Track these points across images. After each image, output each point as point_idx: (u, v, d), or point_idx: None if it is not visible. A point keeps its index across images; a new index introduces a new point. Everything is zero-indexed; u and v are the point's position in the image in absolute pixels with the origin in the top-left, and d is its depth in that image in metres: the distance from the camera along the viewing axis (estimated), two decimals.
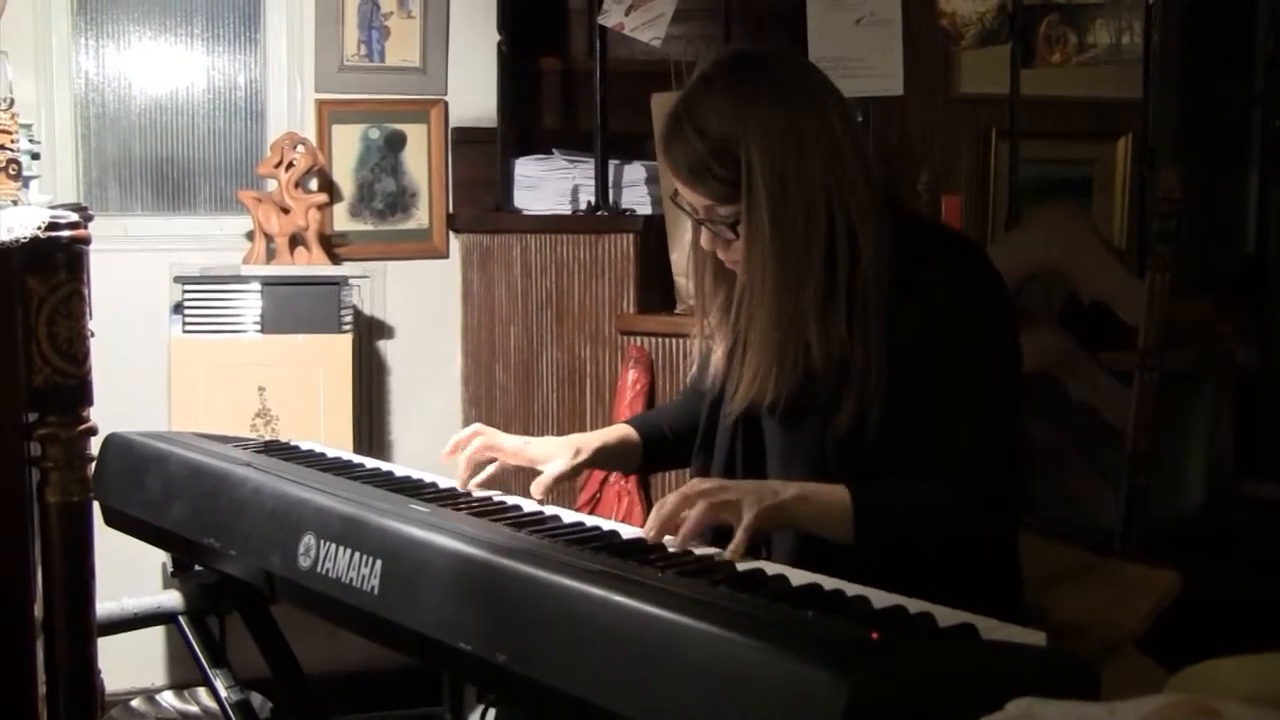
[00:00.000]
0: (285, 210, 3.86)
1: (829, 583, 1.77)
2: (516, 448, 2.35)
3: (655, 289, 3.68)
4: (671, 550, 1.94)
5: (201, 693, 3.55)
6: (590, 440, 2.36)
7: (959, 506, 2.06)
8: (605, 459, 2.40)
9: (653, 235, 3.67)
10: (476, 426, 2.38)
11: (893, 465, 2.07)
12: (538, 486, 2.26)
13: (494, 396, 4.03)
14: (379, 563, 1.86)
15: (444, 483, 2.31)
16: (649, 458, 2.45)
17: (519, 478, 2.36)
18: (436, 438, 4.09)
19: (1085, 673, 1.56)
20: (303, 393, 3.68)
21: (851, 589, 1.74)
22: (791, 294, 2.04)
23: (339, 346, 3.73)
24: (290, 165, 3.87)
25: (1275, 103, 3.97)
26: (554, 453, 2.33)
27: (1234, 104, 4.30)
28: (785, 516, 2.00)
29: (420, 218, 4.10)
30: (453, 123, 4.14)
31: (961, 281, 2.08)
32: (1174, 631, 2.47)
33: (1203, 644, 2.87)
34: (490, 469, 2.34)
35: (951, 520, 2.07)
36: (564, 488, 2.63)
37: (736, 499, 1.95)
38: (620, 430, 2.43)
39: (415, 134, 4.09)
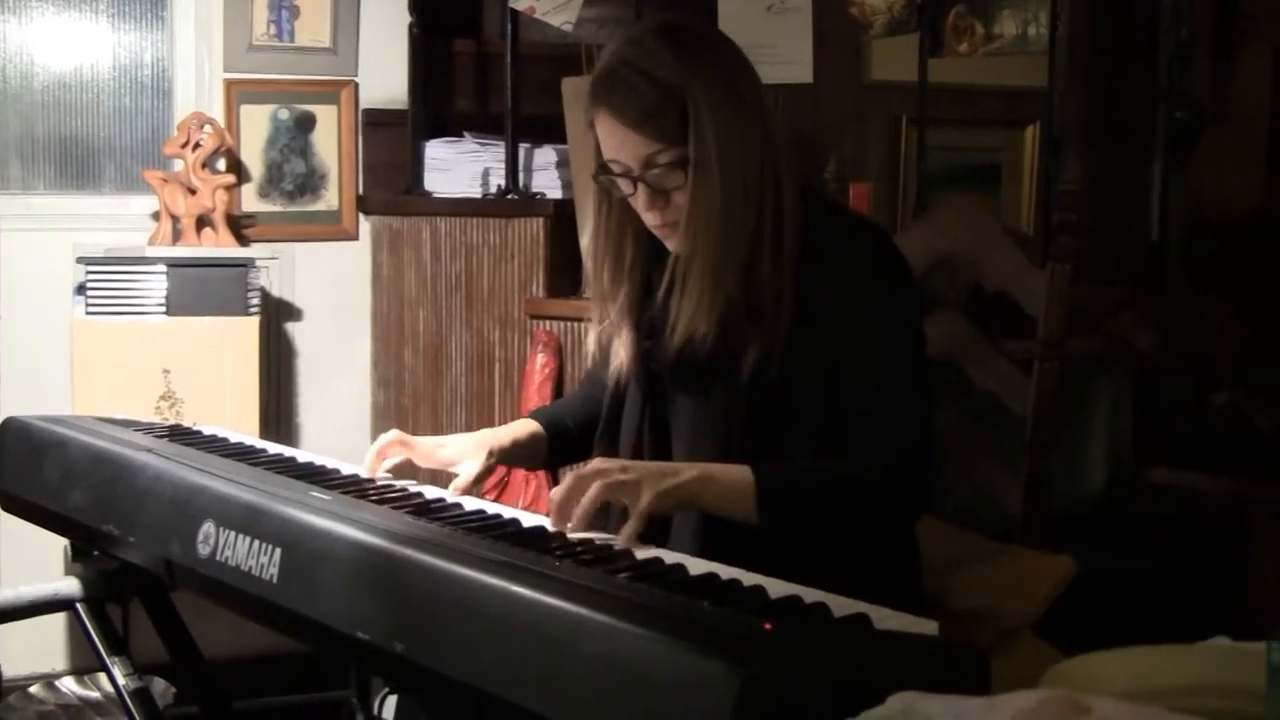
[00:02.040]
0: (192, 191, 3.82)
1: (727, 572, 1.78)
2: (429, 450, 2.34)
3: (565, 273, 3.68)
4: (571, 534, 1.94)
5: (103, 678, 3.51)
6: (501, 438, 2.36)
7: (867, 486, 2.09)
8: (516, 456, 2.40)
9: (563, 219, 3.66)
10: (391, 435, 2.35)
11: (799, 438, 2.09)
12: (455, 490, 2.26)
13: (403, 379, 4.02)
14: (278, 551, 1.84)
15: (347, 469, 2.30)
16: (554, 452, 2.45)
17: (434, 478, 2.35)
18: (345, 420, 4.12)
19: (976, 662, 1.58)
20: (209, 376, 3.65)
21: (749, 578, 1.75)
22: (731, 236, 2.07)
23: (246, 329, 3.70)
24: (197, 145, 3.83)
25: (1176, 96, 4.02)
26: (467, 453, 2.32)
27: (1142, 96, 4.36)
28: (686, 497, 2.00)
29: (330, 199, 4.08)
30: (363, 104, 4.12)
31: (871, 263, 2.13)
32: (1074, 616, 2.51)
33: (1102, 628, 2.92)
34: (395, 459, 2.32)
35: (858, 500, 2.10)
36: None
37: (635, 479, 1.96)
38: (527, 425, 2.43)
39: (325, 115, 4.06)
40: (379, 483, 2.24)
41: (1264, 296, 4.32)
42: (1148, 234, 4.36)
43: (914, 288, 2.19)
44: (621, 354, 2.25)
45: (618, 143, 2.10)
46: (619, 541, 1.92)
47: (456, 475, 2.28)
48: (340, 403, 4.09)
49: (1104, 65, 4.78)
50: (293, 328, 4.09)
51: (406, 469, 2.33)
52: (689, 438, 2.18)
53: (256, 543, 1.87)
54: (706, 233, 2.07)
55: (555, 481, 3.55)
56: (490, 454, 2.31)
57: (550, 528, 1.97)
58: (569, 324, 3.57)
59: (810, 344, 2.08)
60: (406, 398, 3.98)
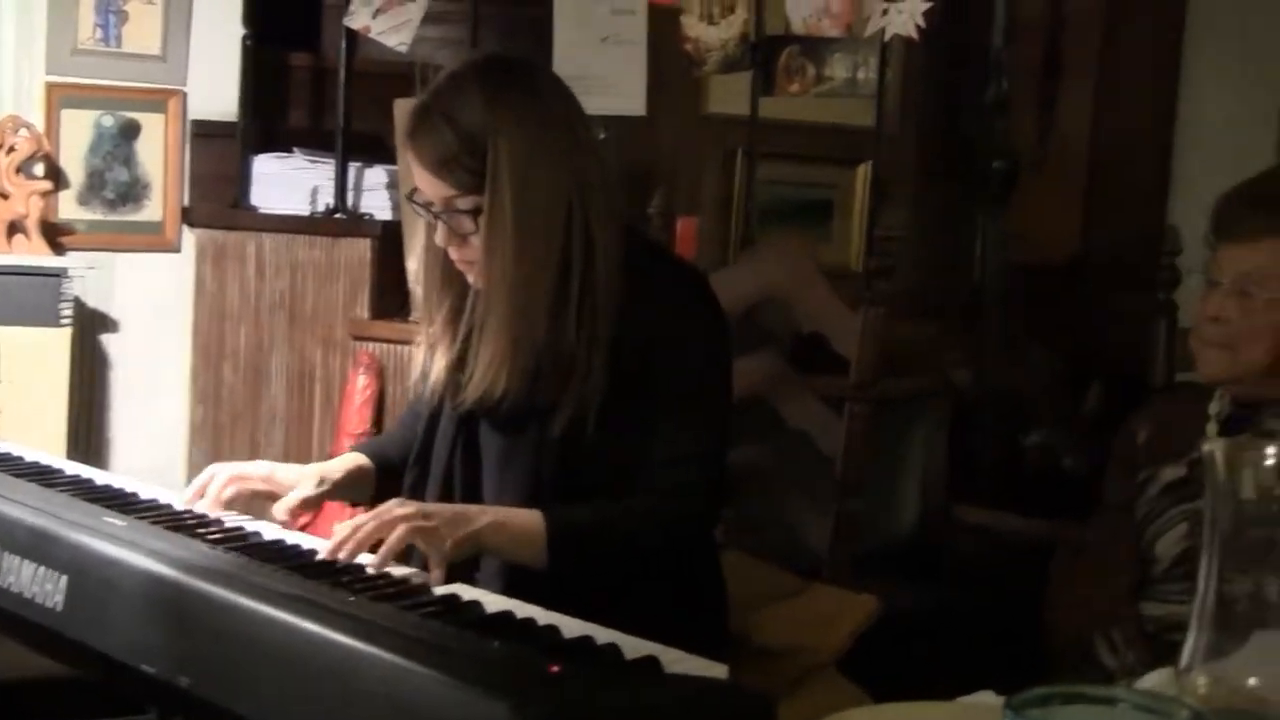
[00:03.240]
0: (4, 196, 3.73)
1: (523, 609, 1.77)
2: (263, 473, 2.30)
3: (390, 295, 3.66)
4: (370, 572, 1.92)
5: None
6: (333, 471, 2.33)
7: (654, 521, 2.11)
8: (346, 490, 2.38)
9: (390, 241, 3.64)
10: (226, 472, 2.30)
11: (606, 477, 2.10)
12: (281, 508, 2.22)
13: (221, 396, 3.95)
14: (64, 579, 1.80)
15: (146, 492, 2.25)
16: (381, 486, 2.43)
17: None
18: (159, 437, 4.03)
19: (763, 707, 1.59)
20: (15, 389, 3.56)
21: (544, 617, 1.75)
22: (528, 289, 2.06)
23: (56, 341, 3.61)
24: (11, 149, 3.73)
25: (996, 145, 4.12)
26: (301, 478, 2.30)
27: (966, 143, 4.46)
28: (480, 544, 2.02)
29: (153, 210, 4.00)
30: (192, 115, 4.05)
31: (684, 307, 2.14)
32: (881, 653, 2.54)
33: (908, 666, 2.96)
34: (230, 490, 2.27)
35: (644, 536, 2.12)
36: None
37: (436, 526, 1.95)
38: (357, 460, 2.40)
39: (151, 124, 3.99)
40: (179, 509, 2.20)
41: (1076, 339, 4.43)
42: (970, 276, 4.45)
43: (726, 334, 2.21)
44: (440, 376, 2.24)
45: (420, 179, 2.11)
46: (421, 577, 1.91)
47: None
48: (156, 418, 4.01)
49: (932, 111, 4.88)
50: (109, 340, 4.00)
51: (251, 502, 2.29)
52: (498, 473, 2.17)
53: (42, 569, 1.83)
54: (502, 285, 2.07)
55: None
56: (322, 481, 2.28)
57: (329, 557, 1.95)
58: (392, 347, 3.54)
59: (622, 390, 2.08)
60: (224, 415, 3.92)
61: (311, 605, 1.61)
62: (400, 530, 1.93)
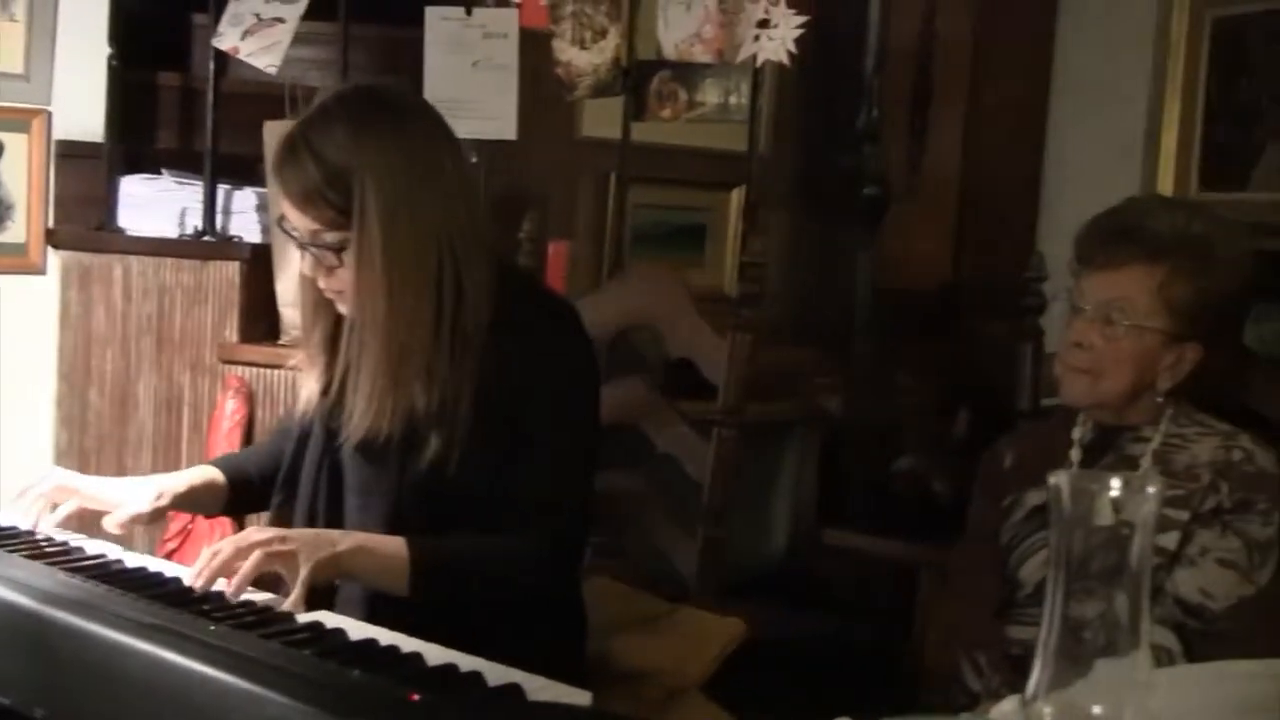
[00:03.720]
0: None
1: (386, 637, 1.77)
2: (95, 490, 2.27)
3: (260, 319, 3.61)
4: (231, 600, 1.90)
5: None
6: (174, 484, 2.30)
7: (519, 559, 2.11)
8: (189, 503, 2.35)
9: (260, 264, 3.59)
10: (53, 479, 2.27)
11: (468, 510, 2.09)
12: (111, 521, 2.19)
13: (88, 421, 3.88)
14: None
15: (4, 519, 2.21)
16: (233, 501, 2.40)
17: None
18: (24, 462, 3.95)
19: None
20: None
21: (408, 644, 1.74)
22: (403, 327, 2.05)
23: None
24: None
25: (867, 172, 4.18)
26: (135, 492, 2.26)
27: (838, 170, 4.50)
28: (341, 568, 2.00)
29: (16, 231, 3.92)
30: (58, 135, 3.97)
31: (552, 339, 2.14)
32: (748, 676, 2.56)
33: (775, 689, 2.98)
34: (67, 508, 2.24)
35: (510, 573, 2.12)
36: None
37: (293, 550, 1.93)
38: (206, 473, 2.38)
39: (14, 144, 3.91)
40: (37, 536, 2.16)
41: (946, 365, 4.49)
42: (842, 302, 4.49)
43: (593, 367, 2.22)
44: (313, 400, 2.22)
45: (287, 209, 2.10)
46: (283, 605, 1.89)
47: None
48: (19, 443, 3.93)
49: (806, 137, 4.92)
50: None
51: (80, 518, 2.25)
52: (360, 502, 2.16)
53: None
54: (374, 325, 2.05)
55: (241, 524, 3.49)
56: (160, 495, 2.25)
57: (192, 584, 1.92)
58: (261, 371, 3.50)
59: (488, 422, 2.08)
60: (90, 439, 3.85)
61: (171, 634, 1.59)
62: (255, 556, 1.92)
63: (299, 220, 2.07)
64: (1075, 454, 2.52)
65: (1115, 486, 0.87)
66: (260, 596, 1.93)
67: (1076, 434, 2.54)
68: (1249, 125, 4.16)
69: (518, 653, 1.73)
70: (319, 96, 2.13)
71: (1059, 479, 0.88)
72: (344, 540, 2.00)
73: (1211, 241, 2.41)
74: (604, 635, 2.40)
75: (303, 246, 2.09)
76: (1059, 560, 0.88)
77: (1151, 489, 0.86)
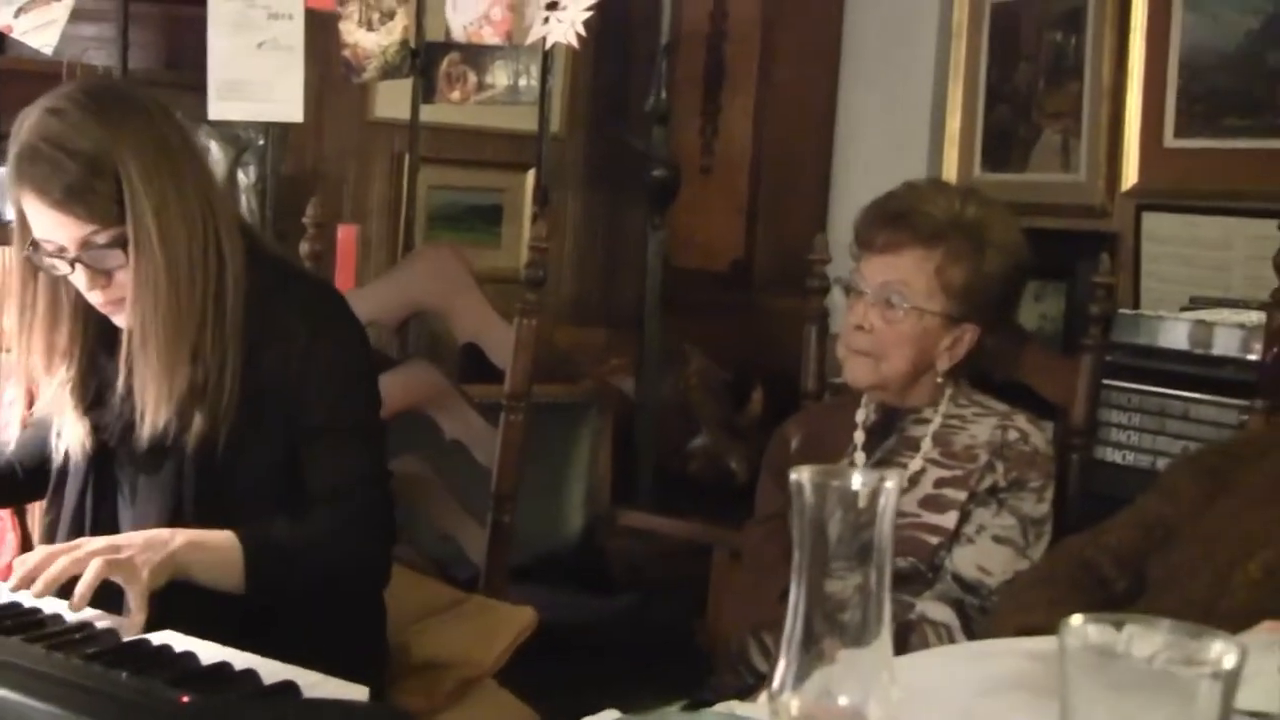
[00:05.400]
0: None
1: (158, 637, 1.73)
2: None
3: None
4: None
5: None
6: None
7: (342, 543, 2.08)
8: None
9: None
10: None
11: (254, 508, 2.06)
12: None
13: None
14: None
15: None
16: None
17: None
18: None
19: None
20: None
21: (181, 644, 1.71)
22: (182, 316, 2.00)
23: None
24: None
25: (655, 154, 4.19)
26: None
27: (630, 152, 4.52)
28: (177, 567, 1.94)
29: None
30: None
31: (318, 325, 2.11)
32: (545, 660, 2.56)
33: (570, 674, 2.98)
34: None
35: (335, 561, 2.09)
36: None
37: (130, 557, 1.88)
38: None
39: None
40: None
41: (740, 345, 4.54)
42: (635, 282, 4.51)
43: (361, 347, 2.19)
44: (66, 433, 2.15)
45: (49, 223, 1.98)
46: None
47: None
48: None
49: (598, 118, 4.94)
50: None
51: None
52: (138, 504, 2.11)
53: None
54: (155, 313, 1.99)
55: (21, 519, 3.38)
56: None
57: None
58: None
59: (259, 407, 2.05)
60: None
61: None
62: (96, 565, 1.85)
63: (64, 229, 1.97)
64: (859, 436, 2.56)
65: (857, 483, 0.88)
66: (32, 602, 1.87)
67: (860, 416, 2.58)
68: (1027, 109, 4.27)
69: (314, 646, 1.71)
70: (27, 113, 2.03)
71: (800, 475, 0.89)
72: (175, 538, 1.94)
73: (985, 224, 2.47)
74: (398, 626, 2.38)
75: (73, 263, 2.01)
76: (802, 554, 0.89)
77: (889, 484, 0.88)
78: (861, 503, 0.87)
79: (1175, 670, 0.80)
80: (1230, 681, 0.81)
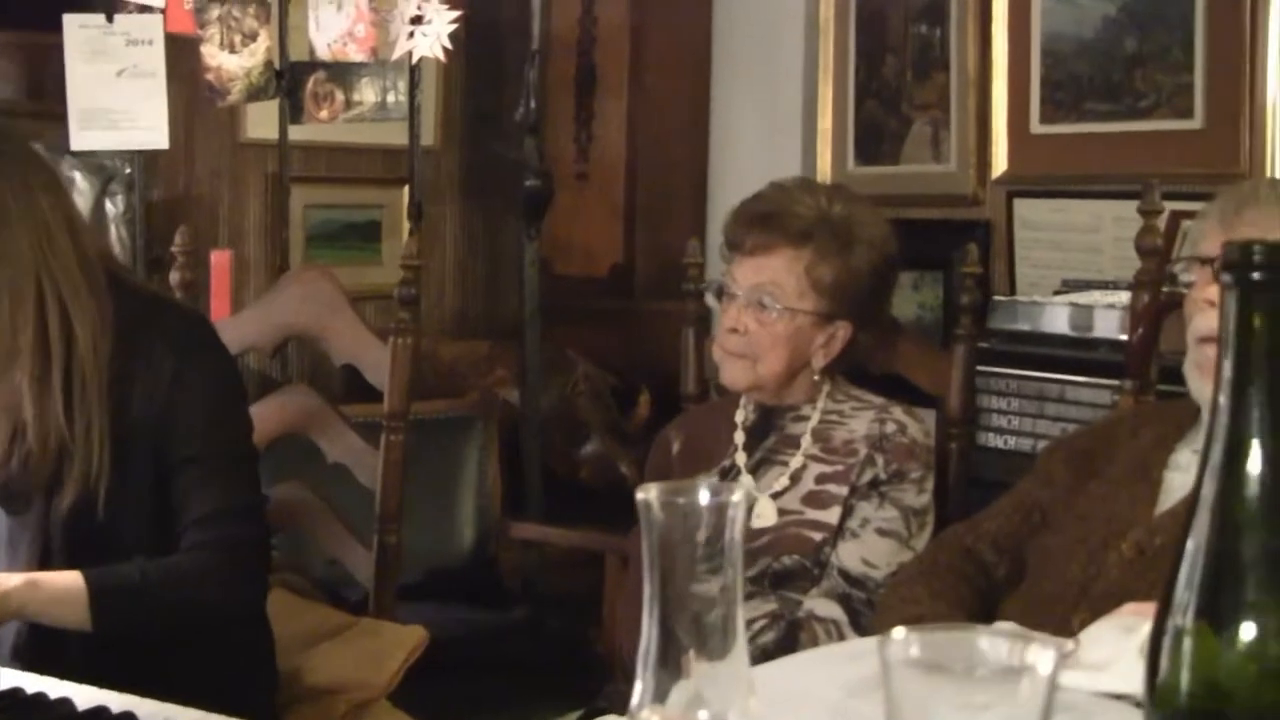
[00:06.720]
0: None
1: (34, 683, 1.70)
2: None
3: None
4: None
5: None
6: None
7: (201, 573, 2.05)
8: None
9: None
10: None
11: (125, 541, 2.03)
12: None
13: None
14: None
15: None
16: None
17: None
18: None
19: None
20: None
21: (57, 689, 1.68)
22: (2, 378, 1.95)
23: None
24: None
25: (527, 163, 4.18)
26: None
27: (504, 162, 4.51)
28: (11, 607, 1.91)
29: None
30: None
31: (185, 354, 2.08)
32: (438, 678, 2.54)
33: (464, 688, 2.97)
34: None
35: (195, 589, 2.05)
36: None
37: None
38: None
39: None
40: None
41: (624, 349, 4.54)
42: (514, 293, 4.50)
43: (230, 374, 2.17)
44: None
45: None
46: None
47: None
48: None
49: (471, 130, 4.92)
50: None
51: None
52: (5, 549, 2.07)
53: None
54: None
55: None
56: None
57: None
58: None
59: (128, 446, 2.01)
60: None
61: None
62: None
63: None
64: (739, 436, 2.57)
65: (705, 500, 0.89)
66: None
67: (739, 417, 2.59)
68: (896, 102, 4.31)
69: (204, 678, 1.69)
70: None
71: (647, 493, 0.89)
72: (10, 578, 1.92)
73: (852, 221, 2.49)
74: (287, 652, 2.36)
75: None
76: (653, 571, 0.89)
77: (736, 497, 0.88)
78: (710, 517, 0.87)
79: (998, 677, 0.81)
80: (1051, 686, 0.81)
